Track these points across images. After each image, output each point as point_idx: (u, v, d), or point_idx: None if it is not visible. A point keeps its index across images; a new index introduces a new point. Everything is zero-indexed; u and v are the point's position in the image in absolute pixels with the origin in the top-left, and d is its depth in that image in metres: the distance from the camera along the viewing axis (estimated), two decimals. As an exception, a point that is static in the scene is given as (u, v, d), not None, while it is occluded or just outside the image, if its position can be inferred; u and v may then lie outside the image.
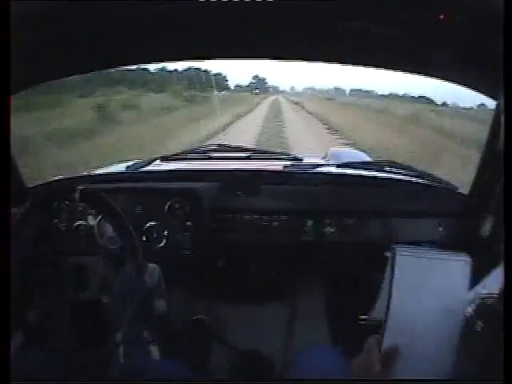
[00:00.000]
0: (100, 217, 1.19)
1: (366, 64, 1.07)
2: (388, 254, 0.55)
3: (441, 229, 1.27)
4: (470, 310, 0.56)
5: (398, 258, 0.55)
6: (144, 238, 1.25)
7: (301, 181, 1.38)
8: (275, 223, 1.30)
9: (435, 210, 1.29)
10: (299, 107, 14.21)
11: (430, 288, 0.56)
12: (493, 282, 0.56)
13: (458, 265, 0.57)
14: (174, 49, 1.02)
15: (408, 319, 0.55)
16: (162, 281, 1.16)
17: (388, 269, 0.55)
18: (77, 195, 1.08)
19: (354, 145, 6.27)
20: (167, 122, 8.20)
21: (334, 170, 1.47)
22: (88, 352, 0.93)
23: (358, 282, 1.39)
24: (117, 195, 1.23)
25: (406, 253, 0.55)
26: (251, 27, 0.88)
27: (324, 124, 10.23)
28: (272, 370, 1.36)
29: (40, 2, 0.68)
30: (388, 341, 0.55)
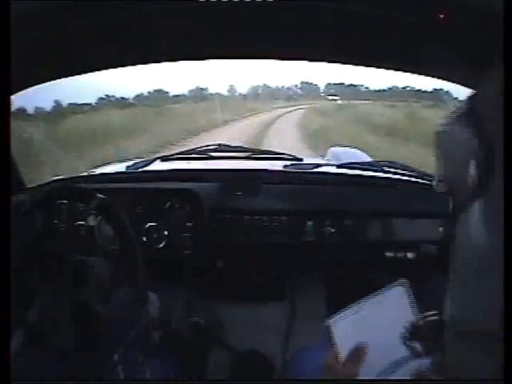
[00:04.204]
0: (100, 217, 1.19)
1: (365, 64, 1.07)
2: (327, 329, 0.56)
3: (441, 229, 1.27)
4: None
5: (333, 330, 0.56)
6: (144, 238, 1.25)
7: (301, 181, 1.38)
8: (275, 223, 1.30)
9: (435, 210, 1.29)
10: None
11: (378, 330, 0.57)
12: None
13: (394, 293, 0.59)
14: (175, 49, 1.02)
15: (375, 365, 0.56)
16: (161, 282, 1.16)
17: (331, 342, 0.56)
18: (77, 195, 1.09)
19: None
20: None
21: (333, 169, 1.47)
22: (88, 352, 0.93)
23: (357, 282, 1.39)
24: (117, 195, 1.23)
25: (337, 320, 0.57)
26: (251, 27, 0.88)
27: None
28: (272, 370, 1.36)
29: (40, 2, 0.68)
30: None
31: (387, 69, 1.05)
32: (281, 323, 1.48)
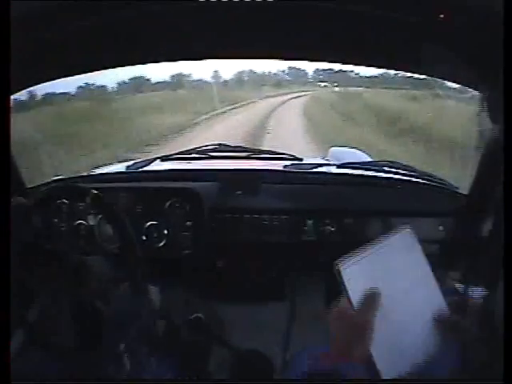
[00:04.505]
0: (100, 217, 1.19)
1: (365, 64, 1.07)
2: (337, 273, 0.55)
3: (441, 229, 1.27)
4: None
5: (343, 274, 0.55)
6: (144, 238, 1.25)
7: (301, 181, 1.38)
8: (275, 223, 1.30)
9: (435, 209, 1.29)
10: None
11: (389, 277, 0.56)
12: (491, 282, 0.57)
13: (403, 239, 0.58)
14: (175, 49, 1.02)
15: (387, 315, 0.55)
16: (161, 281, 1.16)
17: (342, 288, 0.55)
18: (77, 195, 1.09)
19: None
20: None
21: (333, 169, 1.47)
22: (88, 352, 0.93)
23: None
24: (117, 195, 1.23)
25: (348, 264, 0.55)
26: (251, 27, 0.88)
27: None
28: (272, 370, 1.36)
29: (40, 2, 0.68)
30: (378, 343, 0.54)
31: (387, 68, 1.05)
32: (281, 323, 1.48)
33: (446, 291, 0.62)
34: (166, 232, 1.26)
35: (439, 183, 1.39)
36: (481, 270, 0.66)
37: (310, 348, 0.98)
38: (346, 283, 0.54)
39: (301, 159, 1.52)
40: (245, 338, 1.40)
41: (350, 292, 0.54)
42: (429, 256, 0.57)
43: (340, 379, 0.56)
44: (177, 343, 1.33)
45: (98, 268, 0.99)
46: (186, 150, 1.61)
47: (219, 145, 1.59)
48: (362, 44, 0.91)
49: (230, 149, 1.58)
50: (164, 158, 1.54)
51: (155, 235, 1.26)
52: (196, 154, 1.56)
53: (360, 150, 1.91)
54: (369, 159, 1.72)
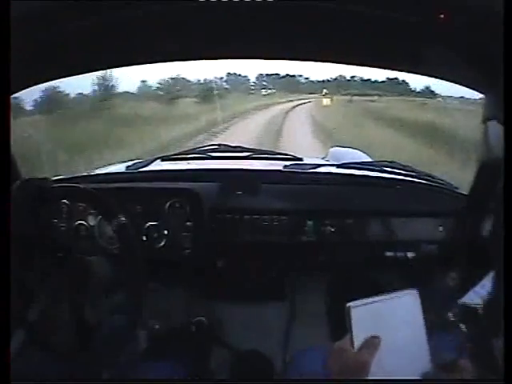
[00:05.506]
0: (100, 217, 1.19)
1: (365, 64, 1.07)
2: (347, 310, 0.58)
3: (441, 229, 1.27)
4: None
5: (352, 313, 0.57)
6: (144, 238, 1.25)
7: (301, 181, 1.38)
8: (275, 223, 1.30)
9: (435, 209, 1.29)
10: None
11: (389, 328, 0.58)
12: (491, 282, 0.57)
13: (408, 299, 0.61)
14: (175, 49, 1.02)
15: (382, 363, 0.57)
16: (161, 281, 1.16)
17: (347, 325, 0.57)
18: (77, 195, 1.09)
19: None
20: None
21: (333, 169, 1.47)
22: (88, 352, 0.93)
23: (357, 281, 1.39)
24: (117, 195, 1.23)
25: (358, 304, 0.58)
26: (251, 27, 0.88)
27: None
28: (272, 370, 1.36)
29: (40, 2, 0.68)
30: None
31: (387, 69, 1.05)
32: (281, 323, 1.48)
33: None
34: (165, 232, 1.26)
35: (439, 183, 1.39)
36: (481, 270, 0.66)
37: (309, 349, 0.99)
38: (353, 322, 0.57)
39: (301, 159, 1.52)
40: (245, 338, 1.40)
41: (354, 331, 0.57)
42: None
43: (340, 379, 0.56)
44: (177, 343, 1.33)
45: (98, 268, 0.99)
46: (186, 150, 1.61)
47: (219, 145, 1.59)
48: (361, 44, 0.91)
49: (230, 149, 1.59)
50: (164, 158, 1.54)
51: (155, 235, 1.26)
52: (196, 154, 1.57)
53: (360, 150, 1.91)
54: (369, 159, 1.72)
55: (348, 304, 0.57)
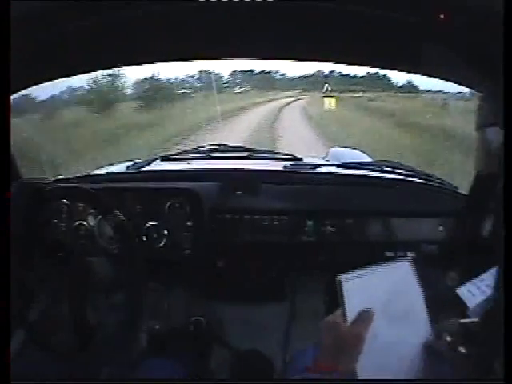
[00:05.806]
0: (100, 217, 1.19)
1: (365, 64, 1.07)
2: (338, 284, 0.57)
3: (441, 229, 1.27)
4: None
5: (344, 286, 0.56)
6: (144, 238, 1.25)
7: (301, 181, 1.38)
8: (275, 223, 1.30)
9: (435, 209, 1.29)
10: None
11: (383, 298, 0.57)
12: (492, 282, 0.57)
13: (401, 266, 0.60)
14: (175, 49, 1.02)
15: (377, 334, 0.56)
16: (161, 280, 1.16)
17: (339, 299, 0.57)
18: (77, 195, 1.09)
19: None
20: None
21: (333, 169, 1.47)
22: (88, 352, 0.93)
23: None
24: (117, 195, 1.23)
25: (349, 277, 0.57)
26: (251, 27, 0.88)
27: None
28: (272, 370, 1.36)
29: (40, 2, 0.68)
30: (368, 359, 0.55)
31: (387, 69, 1.05)
32: (281, 323, 1.48)
33: (444, 294, 0.63)
34: (165, 232, 1.26)
35: (439, 183, 1.39)
36: (481, 270, 0.66)
37: (309, 349, 0.99)
38: (345, 295, 0.56)
39: (301, 159, 1.52)
40: (245, 338, 1.40)
41: (346, 305, 0.56)
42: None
43: (340, 379, 0.56)
44: (177, 343, 1.33)
45: (98, 268, 0.99)
46: (185, 150, 1.62)
47: (219, 145, 1.59)
48: (361, 44, 0.91)
49: (230, 149, 1.59)
50: (164, 158, 1.54)
51: (155, 235, 1.26)
52: (196, 154, 1.57)
53: (360, 150, 1.91)
54: (369, 159, 1.73)
55: (339, 277, 0.56)
